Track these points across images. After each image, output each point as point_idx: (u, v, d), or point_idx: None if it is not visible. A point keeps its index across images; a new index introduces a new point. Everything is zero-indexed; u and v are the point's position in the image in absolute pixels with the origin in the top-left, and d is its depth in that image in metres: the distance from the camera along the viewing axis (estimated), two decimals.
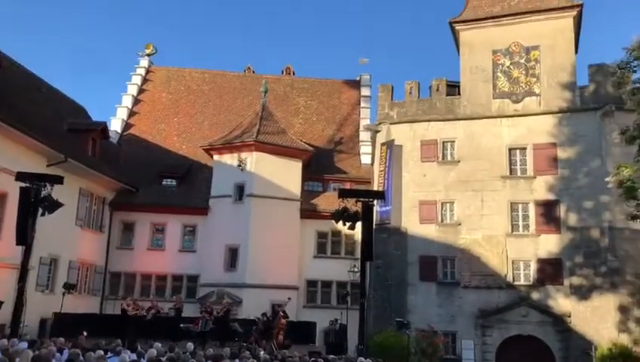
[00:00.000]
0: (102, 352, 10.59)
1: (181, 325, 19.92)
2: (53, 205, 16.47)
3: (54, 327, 20.94)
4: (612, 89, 22.56)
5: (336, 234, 28.22)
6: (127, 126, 33.69)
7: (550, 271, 23.22)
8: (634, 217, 13.65)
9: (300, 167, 29.21)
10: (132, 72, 36.47)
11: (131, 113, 34.37)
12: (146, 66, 36.97)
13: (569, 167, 23.85)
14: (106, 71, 76.96)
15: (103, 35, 79.63)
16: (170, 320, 20.78)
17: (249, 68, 39.15)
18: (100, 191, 27.49)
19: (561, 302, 22.81)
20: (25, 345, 11.39)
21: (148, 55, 37.45)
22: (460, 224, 24.71)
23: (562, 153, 24.06)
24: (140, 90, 35.69)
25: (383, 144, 26.83)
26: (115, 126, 33.10)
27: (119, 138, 32.78)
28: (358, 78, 36.60)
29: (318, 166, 30.65)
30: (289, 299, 23.12)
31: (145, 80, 36.38)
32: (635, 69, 13.04)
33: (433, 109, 26.37)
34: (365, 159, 31.38)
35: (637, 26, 61.53)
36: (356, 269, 24.06)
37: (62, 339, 13.64)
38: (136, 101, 35.13)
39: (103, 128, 29.18)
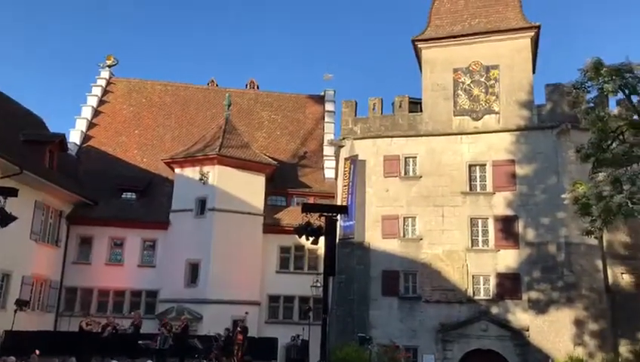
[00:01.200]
0: None
1: (139, 342, 19.47)
2: (6, 218, 15.91)
3: (5, 346, 20.11)
4: (568, 108, 23.12)
5: (300, 248, 28.12)
6: (86, 138, 32.94)
7: (509, 285, 23.62)
8: (588, 233, 14.00)
9: (264, 181, 29.07)
10: (92, 83, 35.77)
11: (91, 125, 33.63)
12: (107, 78, 36.31)
13: (527, 184, 24.42)
14: (66, 82, 75.40)
15: (63, 46, 78.11)
16: (128, 337, 20.26)
17: (212, 81, 38.91)
18: (57, 204, 26.74)
19: (520, 316, 23.21)
20: None
21: (109, 66, 36.81)
22: (421, 239, 24.96)
23: (520, 170, 24.62)
24: (101, 102, 34.99)
25: (346, 159, 26.98)
26: (74, 138, 32.32)
27: (78, 150, 32.02)
28: (322, 94, 36.78)
29: (282, 180, 30.56)
30: (246, 313, 22.94)
31: (105, 91, 35.70)
32: (589, 89, 13.42)
33: (396, 125, 26.70)
34: (329, 174, 31.46)
35: (592, 47, 64.14)
36: (319, 284, 23.98)
37: (13, 358, 13.16)
38: (96, 113, 34.42)
39: (60, 140, 28.44)
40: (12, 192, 16.24)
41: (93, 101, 34.63)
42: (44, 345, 18.69)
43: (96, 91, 35.20)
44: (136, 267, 28.00)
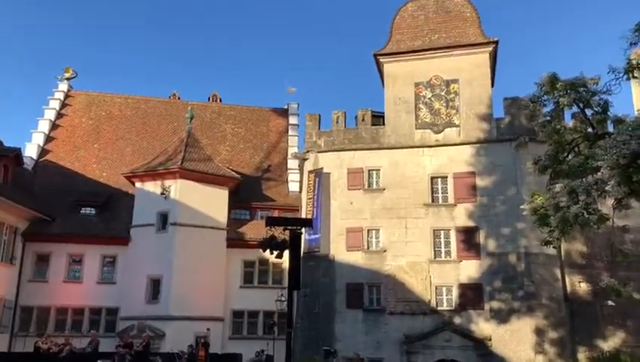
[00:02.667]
0: None
1: (98, 361, 19.01)
2: None
3: None
4: (525, 121, 23.87)
5: (264, 263, 27.90)
6: (43, 152, 32.09)
7: (471, 295, 23.93)
8: (547, 243, 14.25)
9: (227, 195, 28.81)
10: (50, 96, 34.95)
11: (48, 139, 32.81)
12: (65, 90, 35.56)
13: (487, 195, 24.87)
14: (21, 94, 73.42)
15: (18, 57, 76.13)
16: (87, 357, 19.73)
17: (174, 94, 38.49)
18: (12, 220, 25.87)
19: (482, 326, 23.51)
20: None
21: (67, 79, 36.07)
22: (385, 251, 25.10)
23: (481, 182, 25.08)
24: (59, 115, 34.21)
25: (310, 172, 27.01)
26: (30, 152, 31.44)
27: (34, 165, 31.14)
28: (285, 107, 36.84)
29: (246, 194, 30.36)
30: (208, 329, 22.63)
31: (64, 104, 34.93)
32: (545, 103, 13.72)
33: (359, 139, 26.90)
34: (293, 187, 31.42)
35: (548, 62, 66.22)
36: (283, 298, 23.80)
37: None
38: (54, 126, 33.61)
39: (16, 154, 27.69)
40: None
41: (50, 114, 33.82)
42: None
43: (54, 104, 34.42)
44: (96, 284, 27.32)
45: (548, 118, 14.34)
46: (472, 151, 25.47)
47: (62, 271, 27.23)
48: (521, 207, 15.99)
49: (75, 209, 28.55)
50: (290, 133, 34.99)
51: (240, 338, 27.16)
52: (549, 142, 14.22)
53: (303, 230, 18.63)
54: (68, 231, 27.51)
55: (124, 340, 21.54)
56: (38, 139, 32.40)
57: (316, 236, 25.64)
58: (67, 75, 36.12)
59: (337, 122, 27.45)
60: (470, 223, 24.70)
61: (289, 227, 16.39)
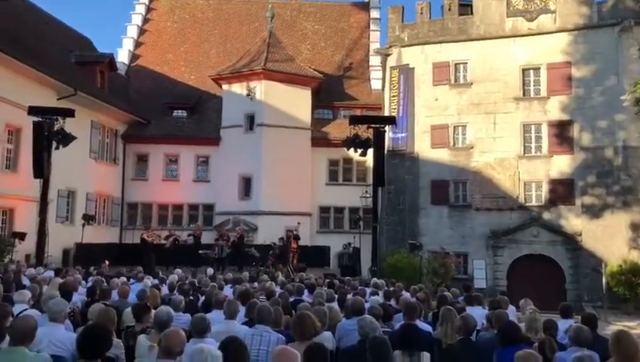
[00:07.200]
0: (125, 278, 11.02)
1: (199, 251, 20.60)
2: (66, 138, 16.67)
3: (77, 257, 21.64)
4: (632, 2, 21.78)
5: (348, 161, 28.33)
6: (133, 57, 33.29)
7: (562, 191, 23.32)
8: None
9: (310, 94, 28.95)
10: (135, 1, 35.64)
11: (137, 44, 33.85)
12: None
13: (584, 86, 23.43)
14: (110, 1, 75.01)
15: None
16: (189, 248, 21.44)
17: None
18: (112, 123, 27.57)
19: (573, 222, 23.04)
20: (51, 273, 11.87)
21: None
22: (472, 147, 24.65)
23: (577, 72, 23.54)
24: (145, 20, 34.99)
25: (393, 68, 26.39)
26: (122, 57, 32.70)
27: (127, 69, 32.50)
28: (367, 0, 35.51)
29: (328, 93, 30.34)
30: (298, 223, 23.71)
31: (149, 9, 35.57)
32: None
33: (445, 30, 25.70)
34: (376, 85, 30.93)
35: None
36: (368, 195, 24.31)
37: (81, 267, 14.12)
38: (142, 31, 34.50)
39: (110, 60, 28.88)
40: (69, 113, 16.88)
41: (137, 19, 34.64)
42: (112, 256, 20.04)
43: (140, 9, 35.11)
44: (192, 182, 29.04)
45: None
46: (569, 38, 23.74)
47: (160, 170, 29.07)
48: (622, 97, 15.11)
49: (167, 111, 29.86)
50: (371, 28, 33.91)
51: (327, 232, 28.32)
52: None
53: (387, 128, 18.61)
54: (163, 132, 28.98)
55: (222, 233, 23.11)
56: (128, 44, 33.51)
57: (402, 135, 25.50)
58: None
59: (422, 13, 26.24)
60: (564, 116, 23.57)
61: (372, 125, 16.41)
